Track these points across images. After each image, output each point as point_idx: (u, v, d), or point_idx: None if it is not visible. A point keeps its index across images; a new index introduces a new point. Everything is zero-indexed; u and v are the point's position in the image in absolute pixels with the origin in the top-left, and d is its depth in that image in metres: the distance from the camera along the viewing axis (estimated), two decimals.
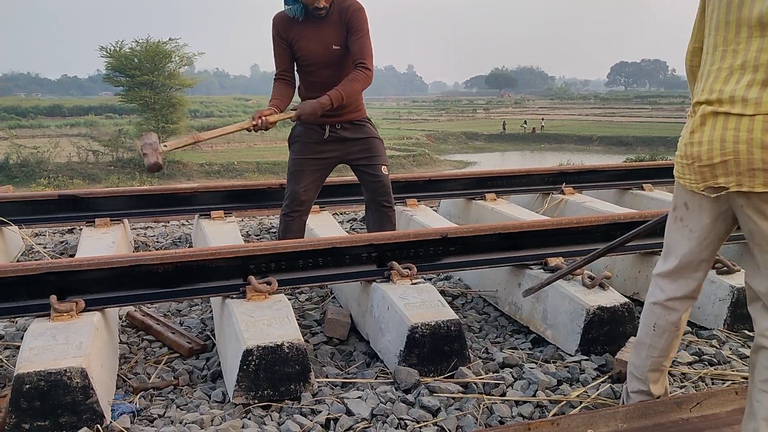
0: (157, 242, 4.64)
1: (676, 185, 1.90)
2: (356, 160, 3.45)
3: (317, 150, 3.40)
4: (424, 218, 4.34)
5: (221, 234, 3.93)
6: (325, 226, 4.18)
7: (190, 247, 4.46)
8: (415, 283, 2.82)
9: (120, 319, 3.09)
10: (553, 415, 2.22)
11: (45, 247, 4.38)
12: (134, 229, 4.96)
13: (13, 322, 3.06)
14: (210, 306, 3.26)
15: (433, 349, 2.51)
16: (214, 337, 2.90)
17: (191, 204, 4.40)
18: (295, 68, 3.42)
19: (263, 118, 3.15)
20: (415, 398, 2.31)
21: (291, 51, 3.34)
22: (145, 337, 2.94)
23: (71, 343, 2.21)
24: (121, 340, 2.89)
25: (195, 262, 2.65)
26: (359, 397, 2.31)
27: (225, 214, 4.33)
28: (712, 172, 1.70)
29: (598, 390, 2.37)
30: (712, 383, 2.49)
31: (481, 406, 2.25)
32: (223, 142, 44.59)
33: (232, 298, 2.65)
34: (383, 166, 3.45)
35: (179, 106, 36.93)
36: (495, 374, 2.50)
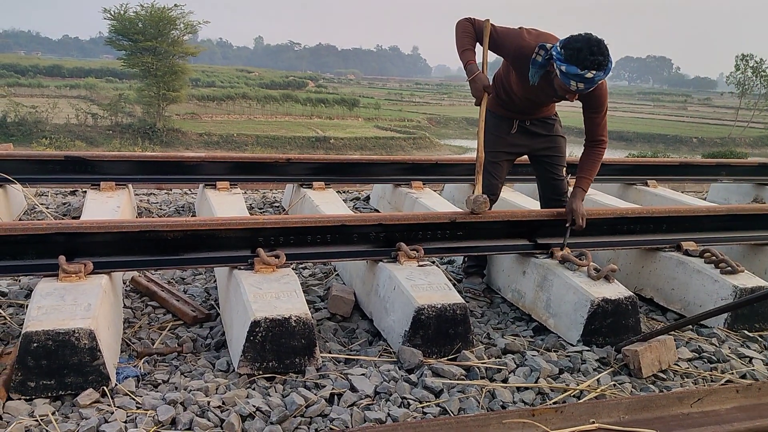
0: (161, 209, 4.63)
1: None
2: (541, 155, 3.43)
3: (508, 142, 3.37)
4: (428, 201, 4.34)
5: (226, 205, 3.92)
6: (330, 204, 4.17)
7: (194, 216, 4.45)
8: (422, 266, 2.83)
9: (124, 283, 3.09)
10: (555, 403, 2.25)
11: (47, 208, 4.37)
12: (137, 195, 4.94)
13: (16, 280, 3.06)
14: (214, 276, 3.26)
15: (438, 332, 2.52)
16: (218, 307, 2.91)
17: (197, 173, 4.37)
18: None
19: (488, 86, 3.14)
20: (419, 378, 2.33)
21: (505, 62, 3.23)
22: (149, 303, 2.95)
23: (80, 304, 2.22)
24: (125, 305, 2.89)
25: (205, 230, 2.65)
26: (363, 374, 2.33)
27: (230, 185, 4.31)
28: None
29: (599, 381, 2.39)
30: (711, 380, 2.52)
31: (483, 390, 2.27)
32: (224, 113, 44.28)
33: (240, 269, 2.65)
34: (564, 168, 3.45)
35: (181, 74, 36.54)
36: (498, 360, 2.52)
